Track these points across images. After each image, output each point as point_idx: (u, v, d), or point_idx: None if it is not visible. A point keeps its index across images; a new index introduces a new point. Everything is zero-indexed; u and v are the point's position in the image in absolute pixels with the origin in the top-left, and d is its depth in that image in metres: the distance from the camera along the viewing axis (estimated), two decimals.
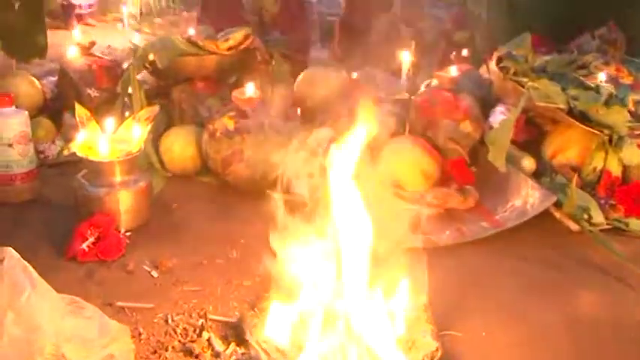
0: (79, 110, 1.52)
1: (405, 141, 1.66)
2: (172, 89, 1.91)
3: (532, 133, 1.85)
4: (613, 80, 1.86)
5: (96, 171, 1.46)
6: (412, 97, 1.82)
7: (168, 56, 1.77)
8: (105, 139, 1.46)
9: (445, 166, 1.70)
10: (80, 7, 6.18)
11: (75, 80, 1.95)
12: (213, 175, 1.72)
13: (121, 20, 5.77)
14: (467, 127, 1.71)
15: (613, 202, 1.63)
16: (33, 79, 2.09)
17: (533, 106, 1.69)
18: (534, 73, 1.71)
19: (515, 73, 1.82)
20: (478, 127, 1.73)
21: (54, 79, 2.17)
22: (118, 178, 1.47)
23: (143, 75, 1.99)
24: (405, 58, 2.56)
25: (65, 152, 1.75)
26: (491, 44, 2.81)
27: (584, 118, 1.65)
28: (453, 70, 1.76)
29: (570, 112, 1.64)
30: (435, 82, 2.26)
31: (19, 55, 2.19)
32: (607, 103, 1.63)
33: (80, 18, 6.12)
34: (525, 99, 1.64)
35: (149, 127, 1.53)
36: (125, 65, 1.97)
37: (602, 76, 1.78)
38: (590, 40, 2.14)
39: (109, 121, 1.52)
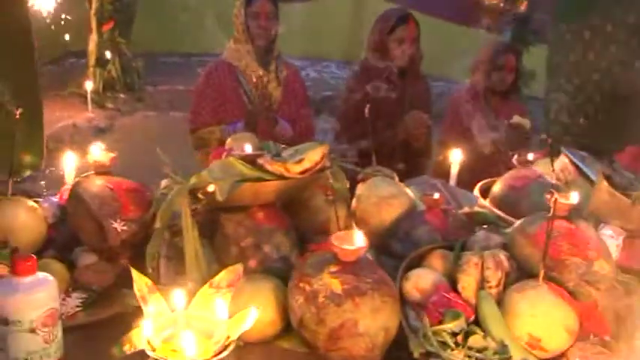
0: (139, 280, 1.11)
1: (541, 291, 1.33)
2: (223, 221, 1.50)
3: None
4: None
5: None
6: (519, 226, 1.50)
7: (230, 185, 1.38)
8: (189, 335, 1.03)
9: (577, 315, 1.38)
10: None
11: (93, 210, 1.52)
12: (299, 340, 1.32)
13: (83, 95, 5.29)
14: (603, 267, 1.40)
15: None
16: (32, 203, 1.63)
17: None
18: None
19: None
20: (613, 265, 1.44)
21: (55, 199, 1.73)
22: None
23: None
24: (456, 158, 2.27)
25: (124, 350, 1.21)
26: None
27: None
28: (574, 196, 1.45)
29: None
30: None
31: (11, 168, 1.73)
32: None
33: None
34: None
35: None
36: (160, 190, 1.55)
37: None
38: None
39: (178, 295, 1.11)
